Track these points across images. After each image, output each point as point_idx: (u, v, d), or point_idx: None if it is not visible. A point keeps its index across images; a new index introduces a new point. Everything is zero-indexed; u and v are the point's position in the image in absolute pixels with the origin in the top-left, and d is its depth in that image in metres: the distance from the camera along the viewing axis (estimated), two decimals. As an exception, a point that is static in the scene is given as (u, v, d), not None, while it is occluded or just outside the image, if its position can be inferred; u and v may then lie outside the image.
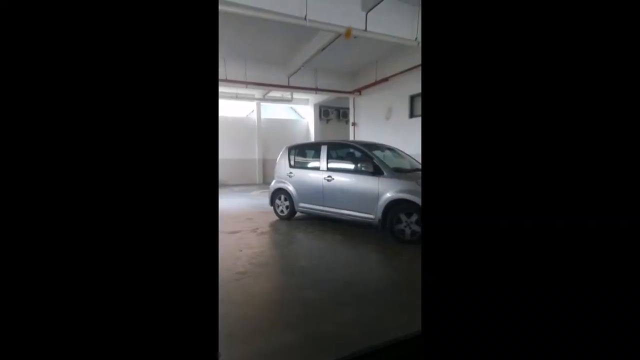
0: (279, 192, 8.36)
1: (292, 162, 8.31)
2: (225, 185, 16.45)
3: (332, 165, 7.23)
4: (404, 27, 9.30)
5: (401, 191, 5.84)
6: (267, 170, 17.93)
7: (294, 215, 8.18)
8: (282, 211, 8.27)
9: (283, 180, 8.27)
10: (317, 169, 7.61)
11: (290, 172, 8.17)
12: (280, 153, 8.64)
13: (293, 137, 18.68)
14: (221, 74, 13.26)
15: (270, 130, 18.42)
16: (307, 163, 8.17)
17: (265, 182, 17.69)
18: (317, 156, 7.86)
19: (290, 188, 8.05)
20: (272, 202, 8.50)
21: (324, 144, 7.65)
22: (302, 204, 7.73)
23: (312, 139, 18.52)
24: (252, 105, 17.78)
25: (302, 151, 8.39)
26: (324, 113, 18.81)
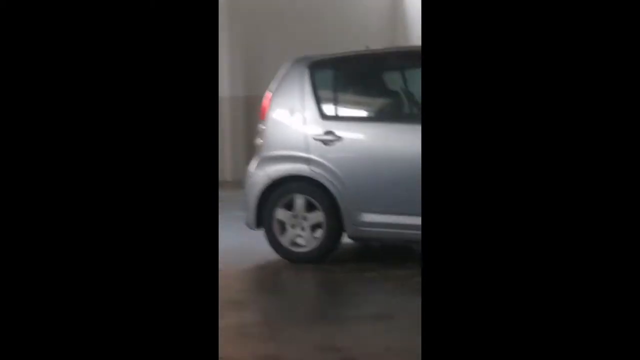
0: (285, 190, 3.89)
1: (327, 108, 3.95)
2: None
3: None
4: None
5: None
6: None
7: (332, 250, 3.94)
8: (300, 242, 3.94)
9: (300, 156, 3.85)
10: (407, 122, 3.80)
11: (327, 135, 3.85)
12: (280, 79, 4.01)
13: (339, 31, 7.52)
14: None
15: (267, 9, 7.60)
16: (377, 109, 4.19)
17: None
18: (406, 90, 4.08)
19: (328, 175, 3.74)
20: (264, 220, 3.91)
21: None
22: (368, 216, 3.75)
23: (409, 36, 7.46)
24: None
25: (357, 74, 4.14)
26: None
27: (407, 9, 8.26)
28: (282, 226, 3.96)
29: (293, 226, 3.95)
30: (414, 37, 7.53)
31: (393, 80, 4.35)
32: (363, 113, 4.41)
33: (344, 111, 4.17)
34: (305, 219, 3.90)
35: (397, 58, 4.29)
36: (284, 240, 3.97)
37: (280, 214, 3.95)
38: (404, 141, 3.69)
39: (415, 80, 4.00)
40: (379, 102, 4.34)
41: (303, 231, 3.93)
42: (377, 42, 5.52)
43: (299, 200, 3.89)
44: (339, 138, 3.90)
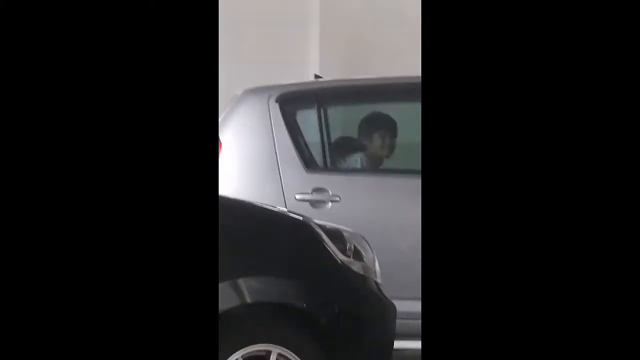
0: None
1: (314, 155, 2.97)
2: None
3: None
4: None
5: None
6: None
7: None
8: None
9: None
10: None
11: (316, 193, 2.83)
12: (233, 118, 3.05)
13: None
14: None
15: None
16: (385, 156, 3.17)
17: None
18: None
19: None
20: None
21: None
22: None
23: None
24: None
25: (346, 110, 3.32)
26: None
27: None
28: None
29: None
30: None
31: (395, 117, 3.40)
32: (368, 162, 3.15)
33: (339, 160, 3.11)
34: None
35: (393, 89, 3.37)
36: None
37: None
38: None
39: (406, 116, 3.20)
40: (386, 146, 3.28)
41: None
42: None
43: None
44: (334, 198, 2.85)
